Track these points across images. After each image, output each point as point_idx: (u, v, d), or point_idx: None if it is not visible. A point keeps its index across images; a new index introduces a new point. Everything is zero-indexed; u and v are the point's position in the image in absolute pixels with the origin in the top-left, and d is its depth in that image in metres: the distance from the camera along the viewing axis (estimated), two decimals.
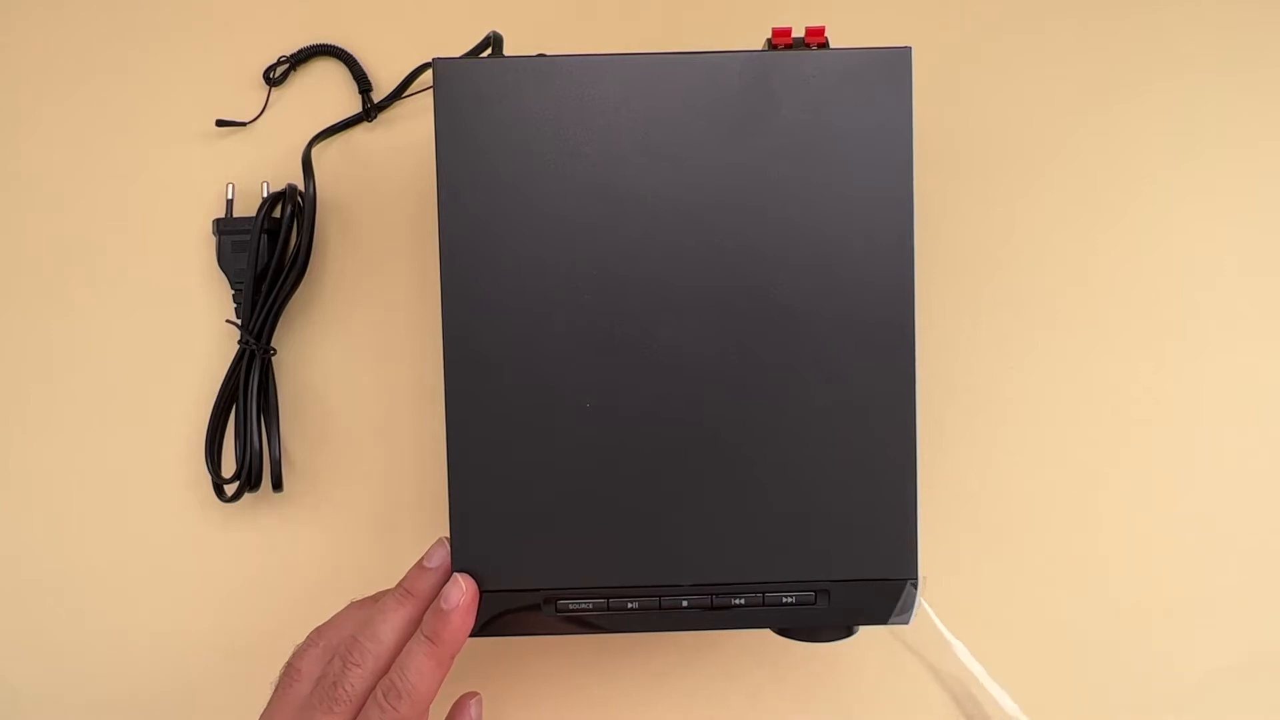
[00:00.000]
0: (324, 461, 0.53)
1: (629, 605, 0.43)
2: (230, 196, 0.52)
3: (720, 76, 0.42)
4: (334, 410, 0.53)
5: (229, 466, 0.51)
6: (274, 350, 0.52)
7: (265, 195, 0.52)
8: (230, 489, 0.51)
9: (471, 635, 0.43)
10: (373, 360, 0.53)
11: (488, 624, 0.43)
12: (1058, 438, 0.53)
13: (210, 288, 0.53)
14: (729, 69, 0.42)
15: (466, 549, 0.43)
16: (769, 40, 0.44)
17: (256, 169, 0.53)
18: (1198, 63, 0.54)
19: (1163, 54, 0.54)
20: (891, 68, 0.42)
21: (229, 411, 0.52)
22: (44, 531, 0.53)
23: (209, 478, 0.51)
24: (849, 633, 0.45)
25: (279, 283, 0.51)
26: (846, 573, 0.43)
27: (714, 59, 0.42)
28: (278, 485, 0.52)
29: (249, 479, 0.50)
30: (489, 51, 0.46)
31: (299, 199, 0.52)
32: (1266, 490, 0.53)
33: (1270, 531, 0.53)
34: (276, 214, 0.51)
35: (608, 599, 0.43)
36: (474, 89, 0.42)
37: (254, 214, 0.51)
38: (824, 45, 0.44)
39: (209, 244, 0.53)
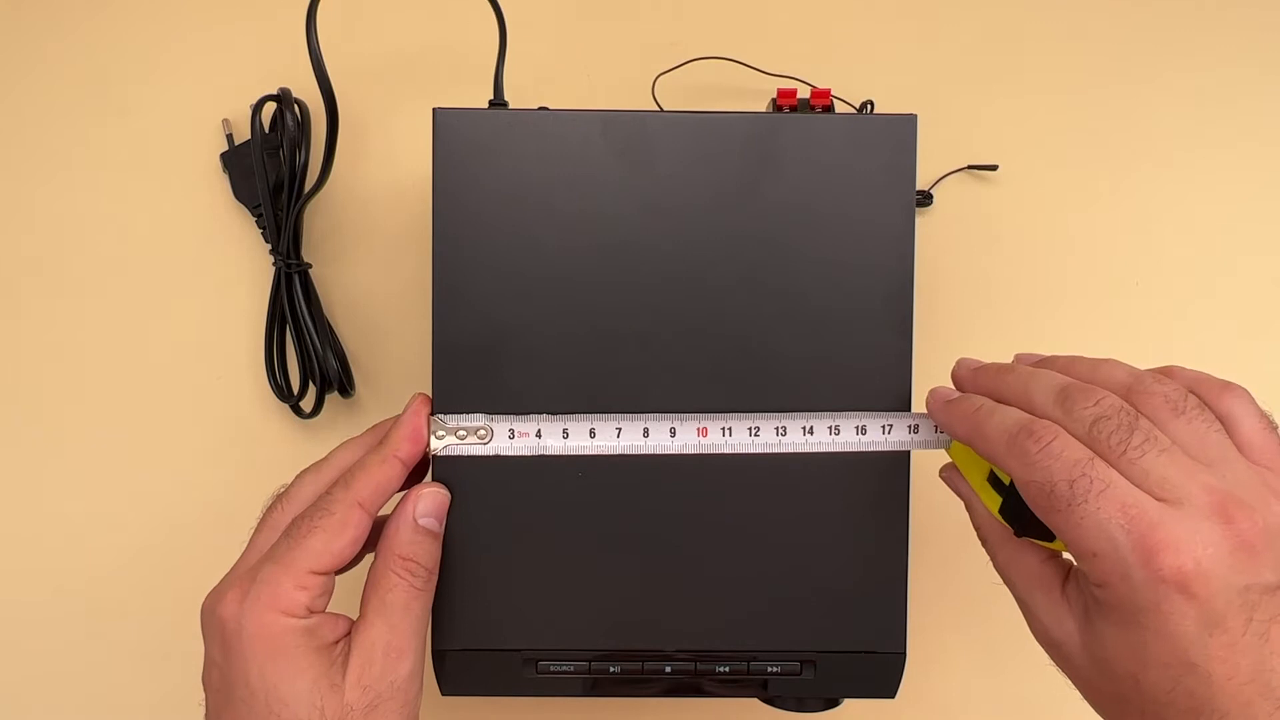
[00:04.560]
0: (385, 359, 0.53)
1: (611, 670, 0.42)
2: (229, 132, 0.53)
3: (723, 136, 0.41)
4: (380, 311, 0.53)
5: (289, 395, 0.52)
6: (309, 264, 0.51)
7: (252, 106, 0.50)
8: (306, 404, 0.51)
9: (451, 694, 0.42)
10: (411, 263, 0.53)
11: (468, 682, 0.42)
12: None
13: (240, 223, 0.53)
14: (733, 129, 0.41)
15: (451, 609, 0.42)
16: (774, 101, 0.44)
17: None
18: (1208, 46, 0.53)
19: (1174, 38, 0.53)
20: (896, 134, 0.42)
21: (282, 332, 0.52)
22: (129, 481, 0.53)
23: (278, 405, 0.52)
24: (835, 703, 0.44)
25: (293, 192, 0.50)
26: (834, 644, 0.42)
27: (718, 119, 0.42)
28: (345, 391, 0.52)
29: (320, 389, 0.51)
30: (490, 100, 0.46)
31: (295, 106, 0.51)
32: None
33: None
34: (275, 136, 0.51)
35: (590, 662, 0.42)
36: (474, 139, 0.41)
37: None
38: (829, 108, 0.43)
39: (224, 183, 0.53)
